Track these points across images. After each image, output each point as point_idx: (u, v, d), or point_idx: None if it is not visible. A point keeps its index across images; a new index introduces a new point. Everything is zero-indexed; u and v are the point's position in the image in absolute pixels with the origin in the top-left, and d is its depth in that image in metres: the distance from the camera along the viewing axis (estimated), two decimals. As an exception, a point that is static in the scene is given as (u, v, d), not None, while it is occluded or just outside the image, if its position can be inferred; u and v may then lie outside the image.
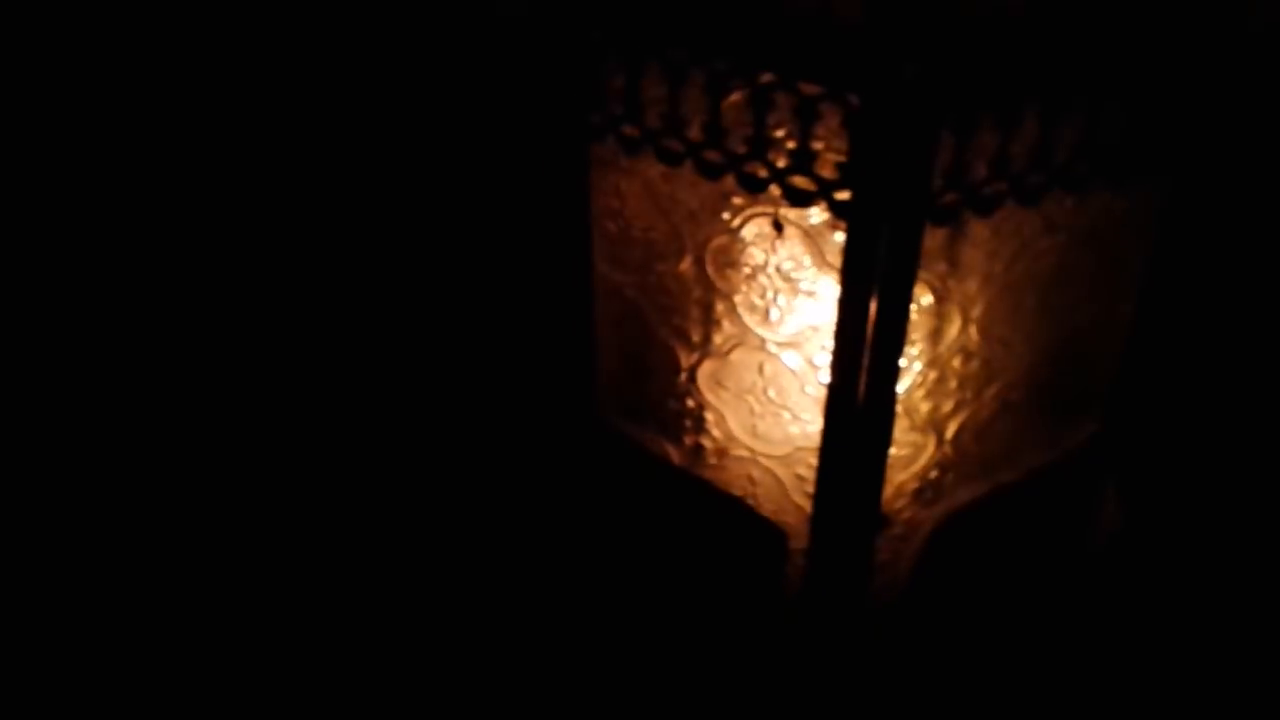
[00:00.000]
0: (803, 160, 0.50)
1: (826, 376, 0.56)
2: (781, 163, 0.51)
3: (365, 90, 0.76)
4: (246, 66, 0.77)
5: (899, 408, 0.57)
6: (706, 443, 0.65)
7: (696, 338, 0.62)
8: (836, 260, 0.53)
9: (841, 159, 0.50)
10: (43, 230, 0.78)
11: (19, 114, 0.75)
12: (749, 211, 0.56)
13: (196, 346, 0.84)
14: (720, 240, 0.58)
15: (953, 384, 0.59)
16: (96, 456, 0.82)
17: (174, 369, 0.84)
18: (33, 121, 0.76)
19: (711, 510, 0.66)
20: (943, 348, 0.58)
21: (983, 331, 0.58)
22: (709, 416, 0.64)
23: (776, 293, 0.58)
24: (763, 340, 0.60)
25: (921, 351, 0.58)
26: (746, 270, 0.58)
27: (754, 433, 0.63)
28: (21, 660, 0.72)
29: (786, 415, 0.62)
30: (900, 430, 0.59)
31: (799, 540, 0.62)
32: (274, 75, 0.77)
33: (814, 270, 0.56)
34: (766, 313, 0.59)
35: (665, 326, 0.63)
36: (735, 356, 0.61)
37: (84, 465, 0.82)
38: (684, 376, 0.64)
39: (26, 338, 0.80)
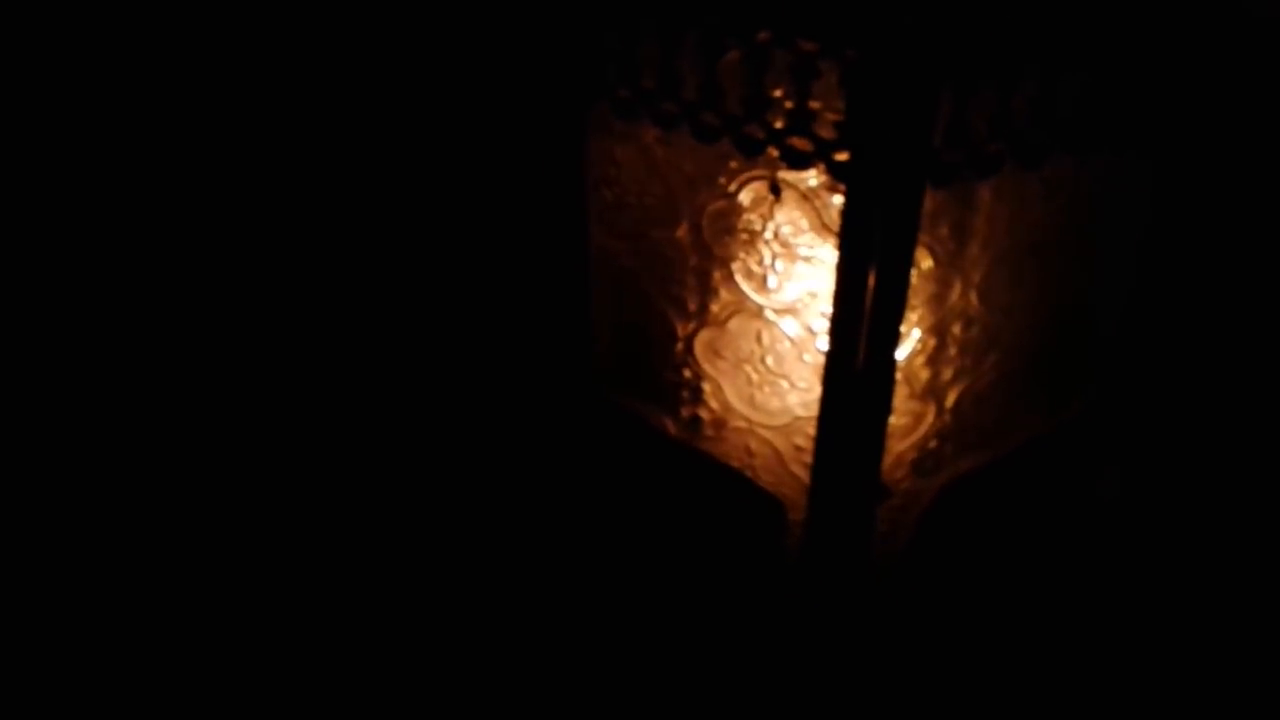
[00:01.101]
0: (801, 120, 0.50)
1: (825, 344, 0.55)
2: (779, 124, 0.50)
3: (353, 56, 0.75)
4: (236, 42, 0.76)
5: (898, 375, 0.56)
6: (704, 414, 0.65)
7: (693, 306, 0.61)
8: (835, 224, 0.52)
9: (840, 119, 0.49)
10: (43, 230, 0.78)
11: (19, 114, 0.75)
12: (746, 175, 0.55)
13: (188, 327, 0.83)
14: (717, 205, 0.57)
15: (953, 351, 0.59)
16: (96, 456, 0.82)
17: (165, 357, 0.83)
18: (33, 121, 0.75)
19: (709, 482, 0.65)
20: (943, 314, 0.57)
21: (983, 298, 0.57)
22: (706, 387, 0.63)
23: (774, 258, 0.57)
24: (760, 307, 0.59)
25: (921, 318, 0.57)
26: (744, 236, 0.57)
27: (752, 403, 0.62)
28: (21, 660, 0.72)
29: (784, 384, 0.61)
30: (900, 399, 0.58)
31: (797, 511, 0.62)
32: (258, 50, 0.76)
33: (812, 235, 0.55)
34: (764, 279, 0.58)
35: (662, 295, 0.62)
36: (733, 324, 0.60)
37: (84, 465, 0.82)
38: (680, 346, 0.63)
39: (26, 338, 0.80)
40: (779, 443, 0.62)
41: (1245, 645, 0.71)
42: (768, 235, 0.57)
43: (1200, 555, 0.76)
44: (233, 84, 0.76)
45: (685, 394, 0.64)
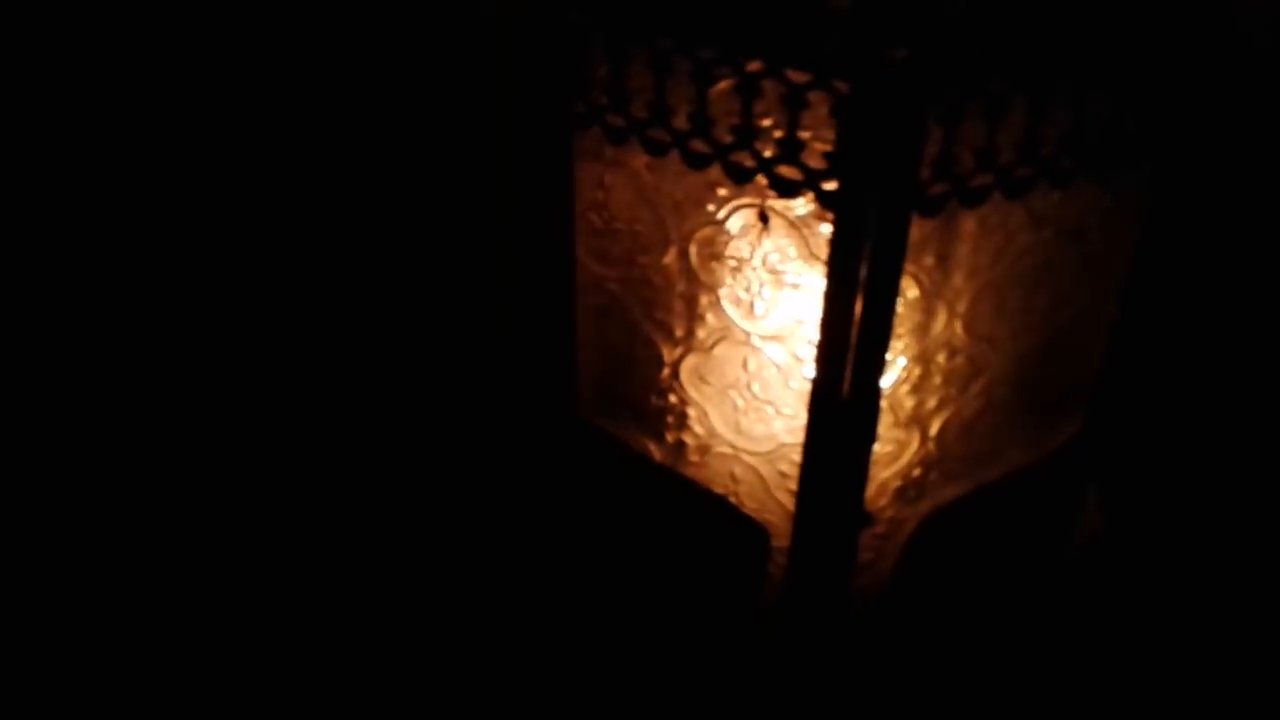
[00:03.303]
0: (790, 150, 0.50)
1: (811, 371, 0.55)
2: (768, 153, 0.51)
3: (343, 79, 0.76)
4: (220, 57, 0.76)
5: (883, 404, 0.56)
6: (689, 439, 0.65)
7: (680, 332, 0.62)
8: (822, 252, 0.53)
9: (829, 149, 0.49)
10: (43, 230, 0.78)
11: (19, 114, 0.75)
12: (735, 203, 0.56)
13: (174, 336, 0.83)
14: (705, 232, 0.57)
15: (937, 380, 0.59)
16: (91, 456, 0.81)
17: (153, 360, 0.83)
18: (33, 121, 0.75)
19: (693, 508, 0.65)
20: (928, 343, 0.57)
21: (968, 327, 0.57)
22: (691, 413, 0.64)
23: (762, 285, 0.58)
24: (747, 334, 0.59)
25: (906, 346, 0.58)
26: (732, 263, 0.58)
27: (737, 429, 0.63)
28: (21, 660, 0.71)
29: (770, 411, 0.61)
30: (884, 427, 0.59)
31: (781, 538, 0.62)
32: (245, 66, 0.76)
33: (800, 262, 0.56)
34: (751, 306, 0.58)
35: (648, 321, 0.62)
36: (719, 351, 0.61)
37: (84, 465, 0.81)
38: (667, 372, 0.63)
39: (26, 338, 0.79)
40: (764, 469, 0.62)
41: (1231, 674, 0.72)
42: (755, 262, 0.57)
43: (1186, 583, 0.77)
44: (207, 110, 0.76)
45: (670, 420, 0.65)
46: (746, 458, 0.63)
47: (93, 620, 0.75)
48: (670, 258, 0.59)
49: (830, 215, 0.51)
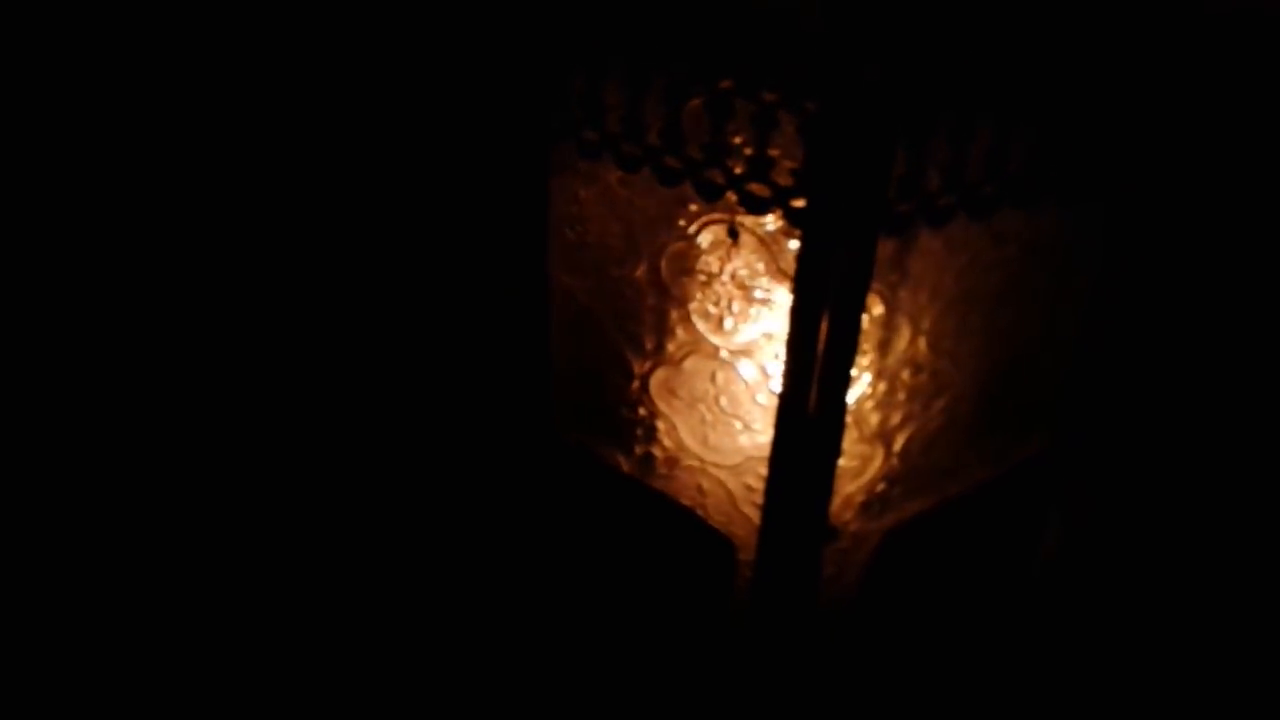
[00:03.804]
0: (760, 167, 0.51)
1: (778, 385, 0.56)
2: (739, 169, 0.52)
3: (319, 91, 0.76)
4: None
5: (848, 418, 0.57)
6: (657, 452, 0.65)
7: (650, 345, 0.62)
8: (791, 268, 0.54)
9: (798, 167, 0.50)
10: (43, 230, 0.78)
11: (19, 114, 0.75)
12: (705, 218, 0.56)
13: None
14: (676, 247, 0.58)
15: (901, 396, 0.60)
16: (84, 457, 0.81)
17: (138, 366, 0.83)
18: (33, 121, 0.75)
19: (661, 520, 0.66)
20: (892, 359, 0.58)
21: (932, 344, 0.58)
22: (660, 425, 0.64)
23: (731, 300, 0.58)
24: (716, 348, 0.60)
25: (871, 362, 0.58)
26: (702, 277, 0.59)
27: (705, 442, 0.63)
28: (21, 660, 0.71)
29: (738, 424, 0.62)
30: (849, 441, 0.59)
31: (747, 551, 0.62)
32: (217, 74, 0.76)
33: (768, 278, 0.57)
34: (720, 320, 0.59)
35: (619, 334, 0.63)
36: (688, 364, 0.61)
37: (81, 465, 0.81)
38: (636, 384, 0.64)
39: (26, 338, 0.79)
40: (730, 482, 0.63)
41: (1196, 688, 0.73)
42: (725, 278, 0.58)
43: (1150, 598, 0.77)
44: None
45: (639, 432, 0.65)
46: (714, 471, 0.63)
47: (93, 620, 0.74)
48: (641, 271, 0.60)
49: (798, 232, 0.51)
